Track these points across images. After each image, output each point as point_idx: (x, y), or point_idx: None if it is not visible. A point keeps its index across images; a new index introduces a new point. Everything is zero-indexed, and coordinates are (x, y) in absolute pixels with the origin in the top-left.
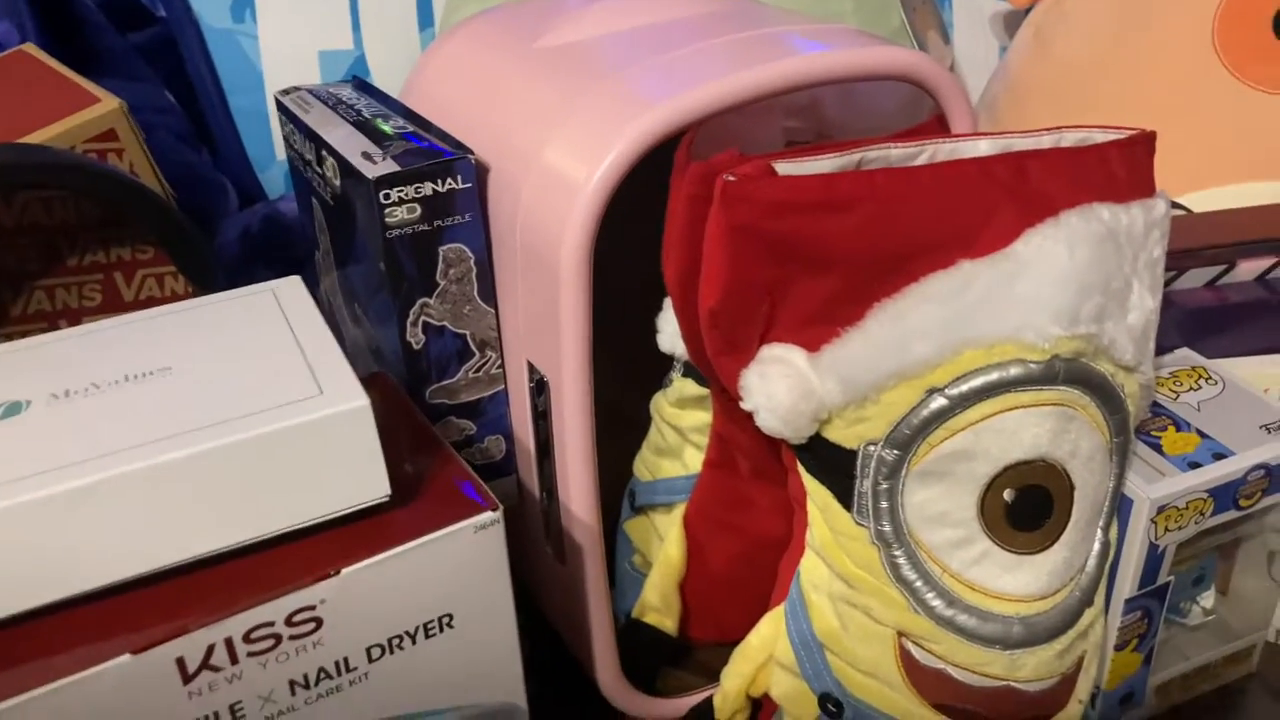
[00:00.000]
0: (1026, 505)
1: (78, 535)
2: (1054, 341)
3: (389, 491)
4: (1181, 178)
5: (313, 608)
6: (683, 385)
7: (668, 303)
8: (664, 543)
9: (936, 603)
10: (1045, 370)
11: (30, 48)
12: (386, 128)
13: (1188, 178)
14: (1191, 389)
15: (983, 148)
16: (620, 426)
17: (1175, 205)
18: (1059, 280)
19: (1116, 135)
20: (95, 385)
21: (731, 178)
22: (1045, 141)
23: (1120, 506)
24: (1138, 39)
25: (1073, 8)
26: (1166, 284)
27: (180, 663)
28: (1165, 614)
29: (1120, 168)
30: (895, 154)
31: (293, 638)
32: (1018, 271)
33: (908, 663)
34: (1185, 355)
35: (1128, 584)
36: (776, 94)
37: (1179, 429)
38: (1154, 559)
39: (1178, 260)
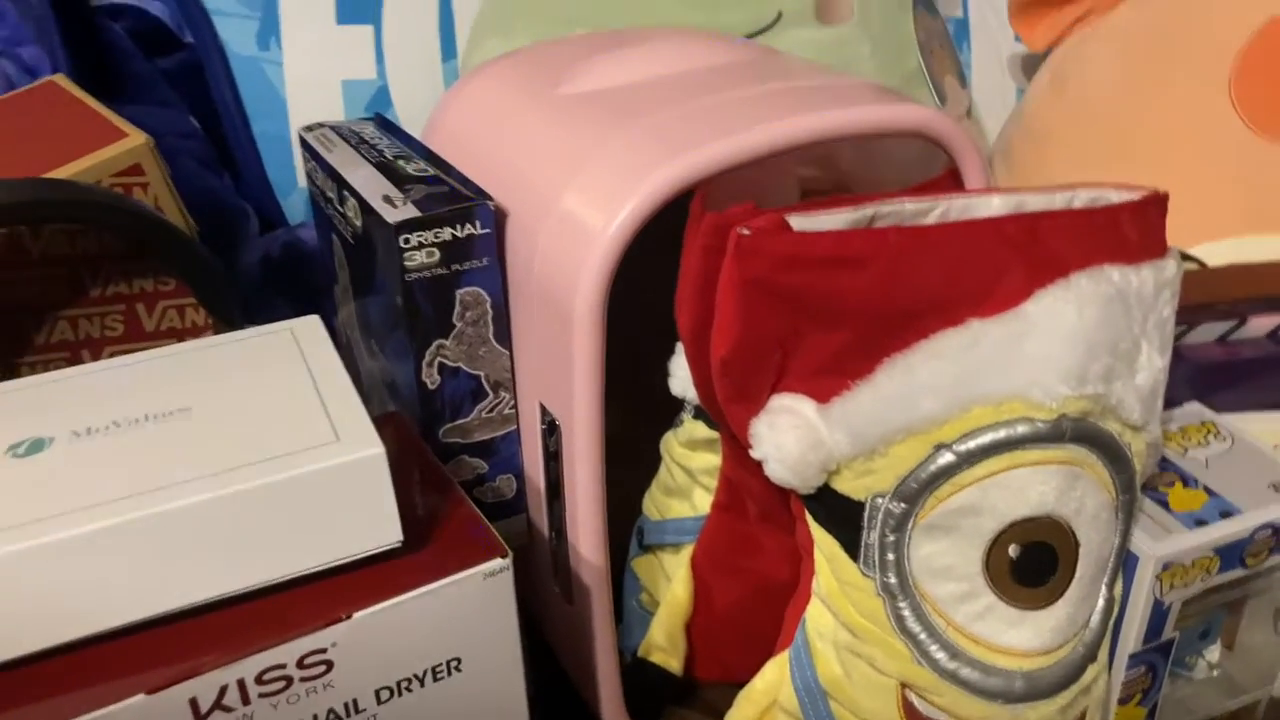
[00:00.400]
0: (1031, 561)
1: (96, 576)
2: (1061, 401)
3: (401, 538)
4: (1194, 228)
5: (324, 650)
6: (693, 427)
7: (680, 347)
8: (671, 583)
9: (940, 655)
10: (1052, 429)
11: (60, 79)
12: (408, 170)
13: (1201, 228)
14: (1200, 444)
15: (995, 204)
16: (630, 462)
17: (1187, 257)
18: (1067, 340)
19: (1129, 195)
20: (116, 424)
21: (746, 231)
22: (1058, 200)
23: (1126, 563)
24: (1154, 87)
25: (1090, 53)
26: (1177, 338)
27: (193, 703)
28: (1170, 668)
29: (1132, 229)
30: (908, 209)
31: (304, 680)
32: (1027, 331)
33: (910, 714)
34: (1195, 410)
35: (1132, 639)
36: (791, 148)
37: (1186, 485)
38: (1159, 615)
39: (1189, 315)
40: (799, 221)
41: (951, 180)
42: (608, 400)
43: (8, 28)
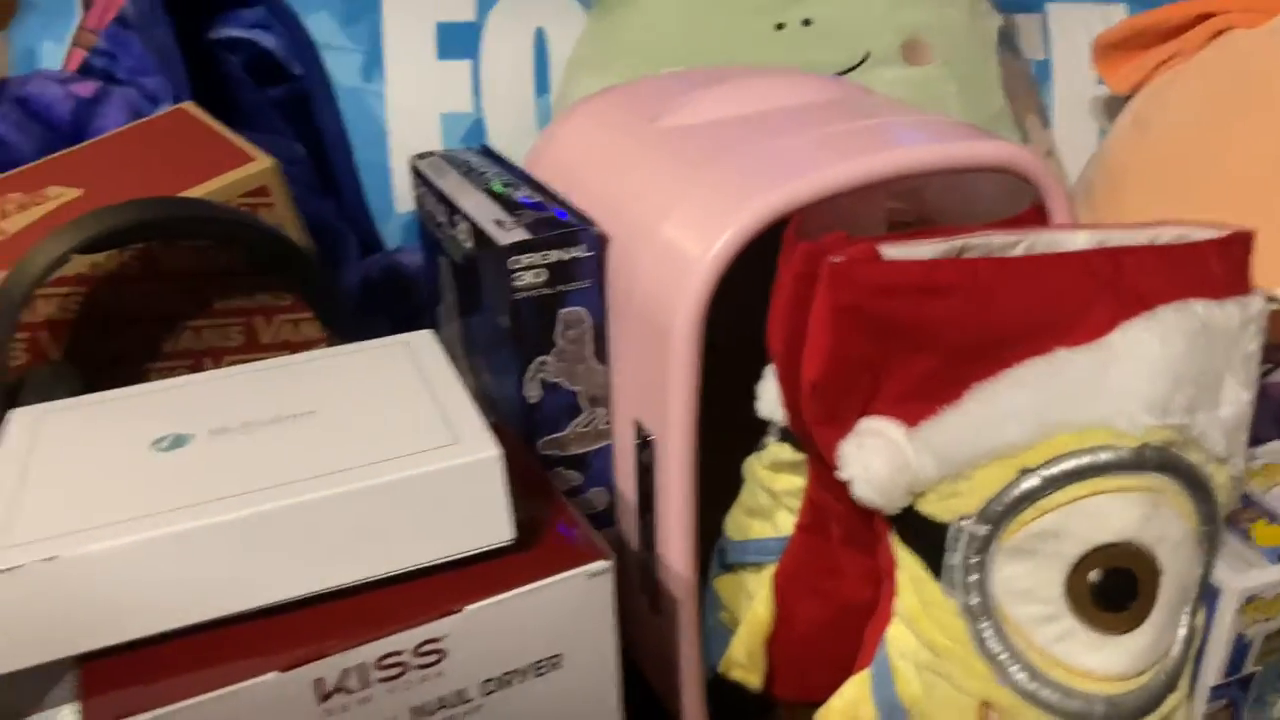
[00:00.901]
0: (1113, 586)
1: (231, 562)
2: (1144, 430)
3: (514, 536)
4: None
5: (438, 640)
6: (778, 450)
7: (769, 370)
8: (752, 602)
9: (1020, 676)
10: (1135, 457)
11: (190, 106)
12: (516, 196)
13: None
14: None
15: (1081, 240)
16: (713, 484)
17: (1272, 299)
18: (1152, 371)
19: (1214, 234)
20: (248, 424)
21: (838, 260)
22: (1142, 238)
23: (1208, 595)
24: (1238, 129)
25: (1173, 96)
26: (1263, 376)
27: (318, 683)
28: (1250, 704)
29: (1217, 265)
30: (996, 242)
31: (418, 667)
32: (1111, 361)
33: None
34: None
35: (1213, 672)
36: (883, 181)
37: (1271, 521)
38: (1240, 649)
39: (1274, 354)
40: (890, 251)
41: (1037, 216)
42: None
43: (133, 58)
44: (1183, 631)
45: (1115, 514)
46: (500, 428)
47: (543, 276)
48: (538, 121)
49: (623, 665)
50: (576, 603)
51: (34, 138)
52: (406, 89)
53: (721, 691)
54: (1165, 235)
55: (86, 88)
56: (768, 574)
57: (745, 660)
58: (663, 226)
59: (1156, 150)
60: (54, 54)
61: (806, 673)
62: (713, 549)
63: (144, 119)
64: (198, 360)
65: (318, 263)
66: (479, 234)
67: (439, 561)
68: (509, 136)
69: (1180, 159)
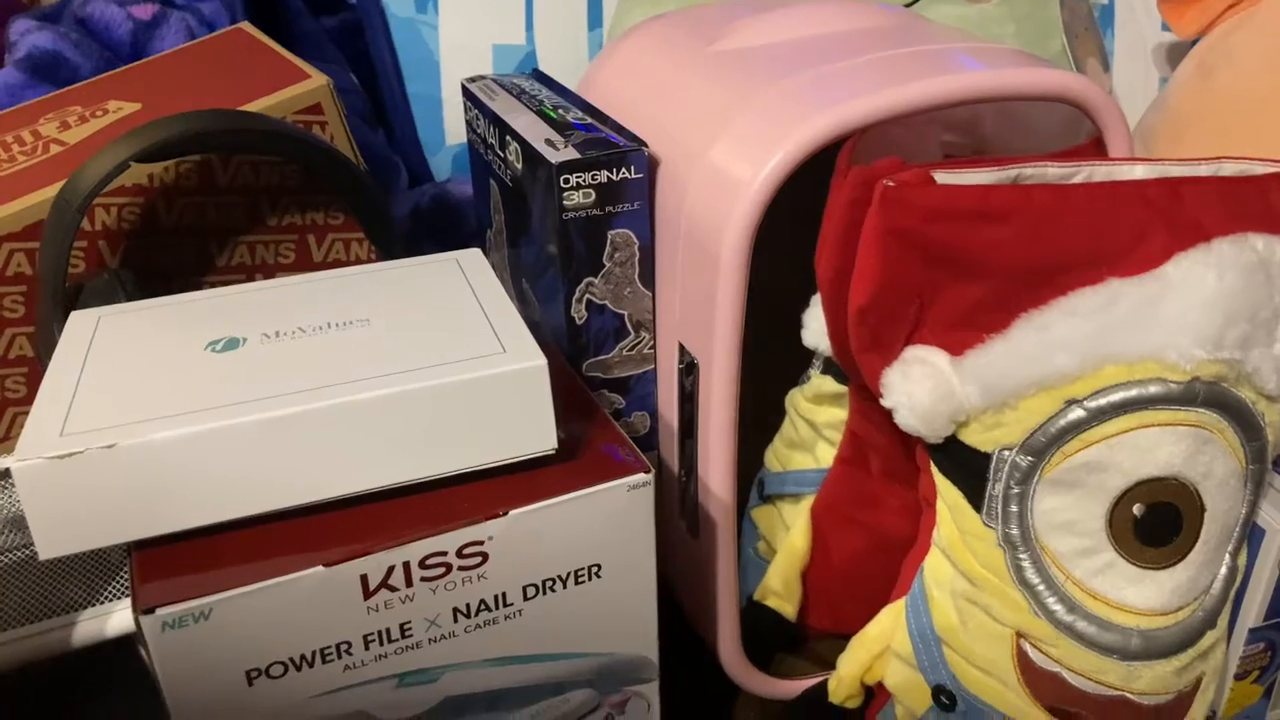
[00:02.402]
0: (1155, 521)
1: (282, 457)
2: (1196, 364)
3: (556, 445)
4: None
5: (481, 543)
6: (821, 382)
7: (815, 299)
8: (790, 532)
9: (1057, 608)
10: (1185, 391)
11: (247, 26)
12: (567, 117)
13: None
14: None
15: (1139, 172)
16: (753, 417)
17: None
18: (1205, 304)
19: (1277, 168)
20: (302, 329)
21: (891, 183)
22: (1203, 170)
23: (1252, 535)
24: None
25: (1238, 42)
26: None
27: (364, 579)
28: None
29: (1279, 200)
30: (1052, 172)
31: (461, 569)
32: (1165, 293)
33: (1024, 663)
34: None
35: (1254, 613)
36: (938, 108)
37: None
38: None
39: None
40: (944, 177)
41: (1095, 149)
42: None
43: None
44: (1224, 570)
45: (1161, 448)
46: (547, 345)
47: (591, 197)
48: (590, 55)
49: (660, 588)
50: (617, 514)
51: (93, 57)
52: (459, 20)
53: (756, 621)
54: (1227, 169)
55: (145, 10)
56: (805, 505)
57: (781, 589)
58: (712, 150)
59: (1221, 98)
60: None
61: (840, 604)
62: (752, 481)
63: (202, 38)
64: (250, 275)
65: (371, 182)
66: (529, 154)
67: (484, 467)
68: (561, 69)
69: (1245, 107)
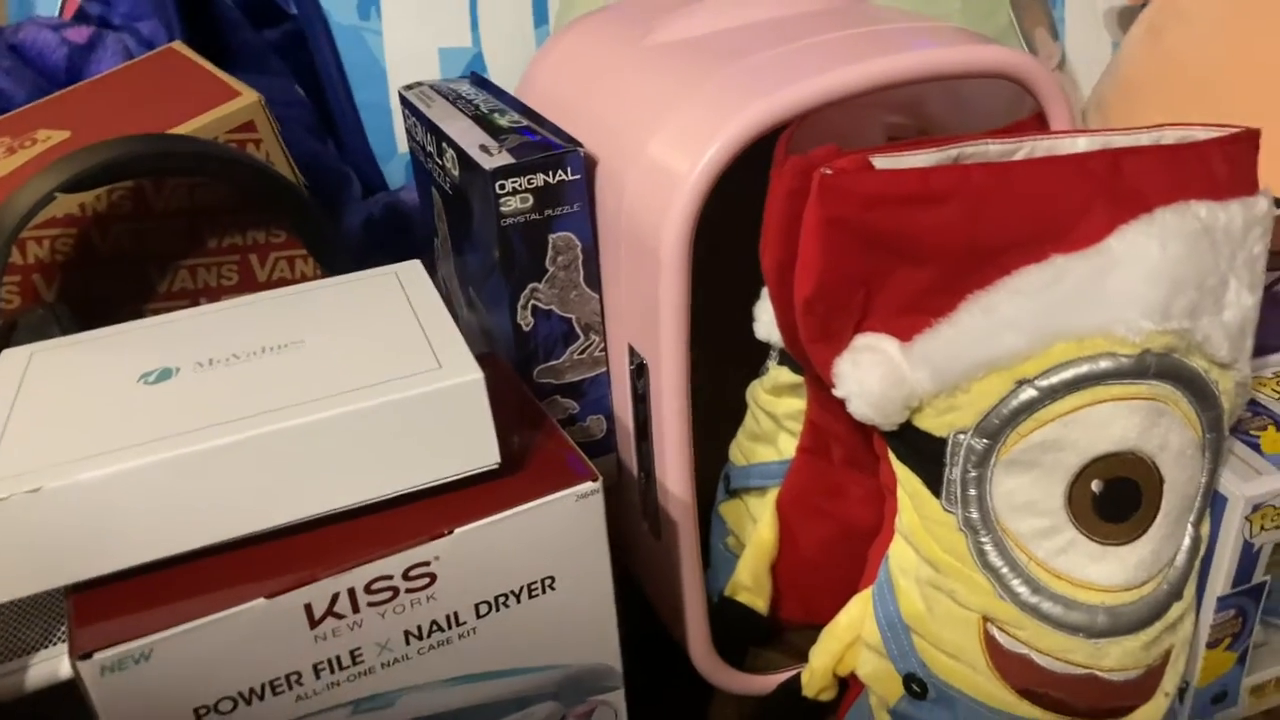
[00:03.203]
0: (1114, 497)
1: (217, 489)
2: (1145, 336)
3: (499, 459)
4: None
5: (428, 564)
6: (778, 373)
7: (765, 291)
8: (757, 525)
9: (1022, 589)
10: (1136, 364)
11: (179, 45)
12: (502, 122)
13: None
14: None
15: (1081, 144)
16: (717, 413)
17: None
18: (1151, 276)
19: (1218, 133)
20: (236, 355)
21: (828, 171)
22: (1144, 139)
23: (1214, 504)
24: (1256, 37)
25: (1189, 4)
26: (1273, 284)
27: (308, 608)
28: (1262, 615)
29: (1221, 165)
30: (993, 150)
31: (409, 591)
32: (1110, 266)
33: (992, 647)
34: None
35: (1221, 582)
36: (875, 90)
37: None
38: (1249, 558)
39: None
40: (882, 162)
41: (1038, 123)
42: (697, 354)
43: (127, 3)
44: (1187, 541)
45: (1116, 423)
46: (492, 357)
47: (529, 201)
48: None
49: (629, 593)
50: (567, 524)
51: (28, 85)
52: (404, 25)
53: (728, 616)
54: (1168, 137)
55: (80, 33)
56: (771, 497)
57: (751, 583)
58: (649, 145)
59: (1171, 59)
60: (49, 2)
61: (811, 595)
62: (718, 476)
63: (133, 60)
64: (194, 300)
65: (308, 197)
66: (465, 161)
67: (426, 486)
68: (509, 69)
69: (1197, 72)
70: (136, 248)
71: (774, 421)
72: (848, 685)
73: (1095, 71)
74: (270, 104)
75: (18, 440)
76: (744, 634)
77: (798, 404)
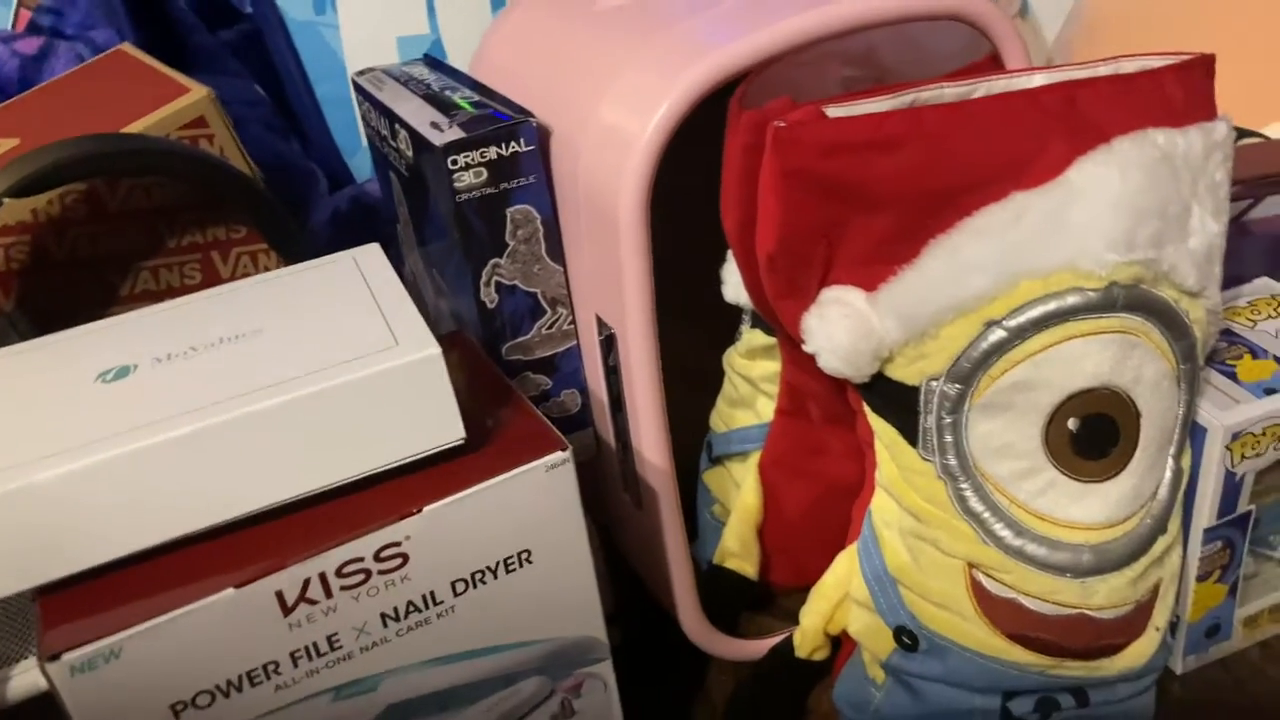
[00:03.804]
0: (1091, 433)
1: (179, 480)
2: (1111, 268)
3: (463, 434)
4: (1264, 109)
5: (399, 544)
6: (751, 336)
7: (731, 254)
8: (740, 490)
9: (1005, 533)
10: (1103, 298)
11: (127, 46)
12: (454, 99)
13: (1271, 109)
14: (1270, 317)
15: (1037, 81)
16: (697, 382)
17: (1257, 135)
18: (1112, 206)
19: (1173, 60)
20: (193, 348)
21: (782, 123)
22: (1102, 71)
23: (1194, 435)
24: None
25: None
26: (1244, 213)
27: (280, 596)
28: (1251, 546)
29: (1176, 91)
30: (949, 93)
31: (381, 573)
32: (1070, 200)
33: (979, 593)
34: (1265, 284)
35: (1206, 513)
36: (824, 39)
37: (1256, 357)
38: (1231, 487)
39: (1255, 188)
40: (836, 111)
41: (991, 65)
42: (672, 324)
43: (80, 12)
44: (1168, 474)
45: (1088, 358)
46: (460, 335)
47: (484, 175)
48: None
49: (619, 566)
50: (539, 496)
51: None
52: (359, 17)
53: (718, 583)
54: (1125, 68)
55: (30, 44)
56: (753, 462)
57: (738, 549)
58: (600, 109)
59: (1135, 3)
60: (1, 15)
61: (799, 557)
62: (700, 446)
63: (82, 65)
64: (158, 301)
65: (264, 190)
66: (417, 140)
67: (392, 465)
68: (469, 55)
69: (1162, 7)
70: (94, 251)
71: (751, 385)
72: (840, 644)
73: (1058, 20)
74: (230, 104)
75: None
76: (735, 600)
77: (773, 366)
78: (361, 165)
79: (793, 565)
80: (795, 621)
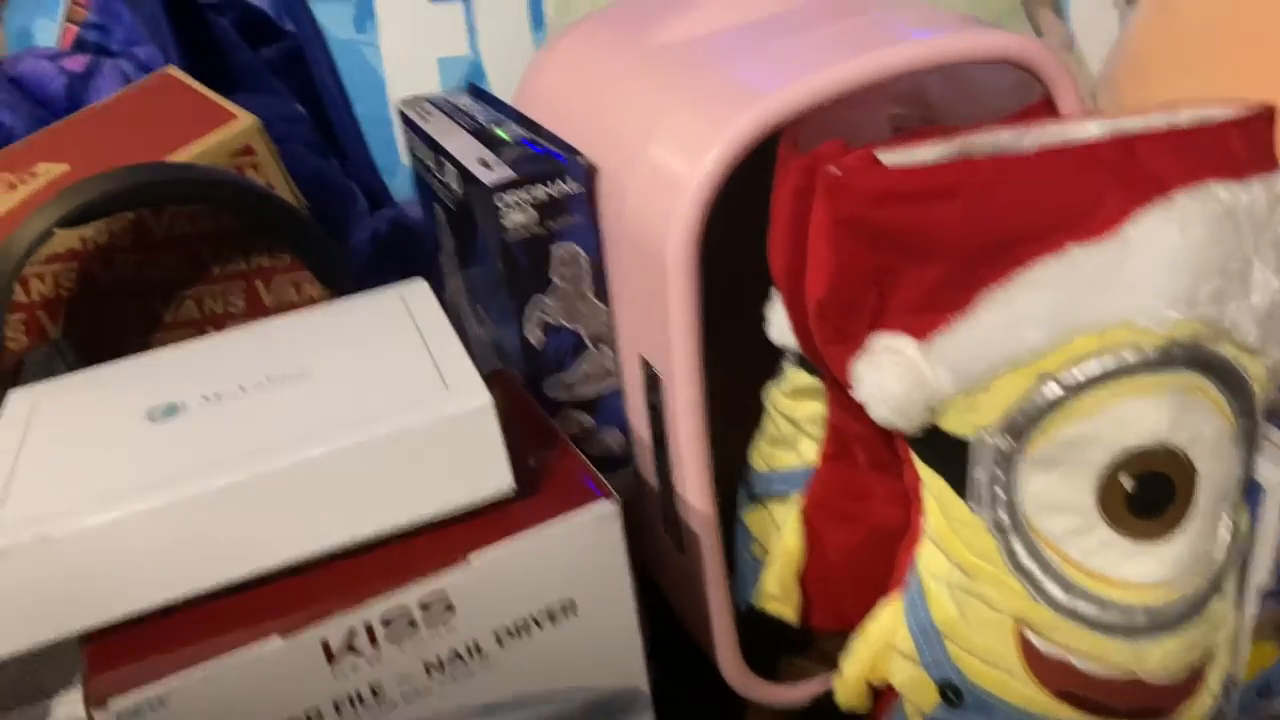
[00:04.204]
0: (1147, 492)
1: (228, 528)
2: (1170, 325)
3: (513, 485)
4: None
5: (445, 593)
6: (795, 376)
7: (777, 293)
8: (781, 532)
9: (1056, 591)
10: (1162, 355)
11: (173, 70)
12: (502, 134)
13: None
14: None
15: (1091, 130)
16: (737, 416)
17: None
18: (1172, 263)
19: (1233, 113)
20: (242, 388)
21: (835, 170)
22: (1157, 122)
23: (1251, 494)
24: (1272, 4)
25: None
26: None
27: (325, 645)
28: None
29: (1238, 144)
30: (1002, 139)
31: (427, 623)
32: (1127, 255)
33: (1028, 651)
34: None
35: (1262, 574)
36: (878, 82)
37: None
38: None
39: None
40: (889, 157)
41: (1045, 110)
42: (711, 357)
43: (124, 29)
44: (1224, 534)
45: (1144, 416)
46: (504, 374)
47: (532, 215)
48: None
49: (657, 607)
50: (585, 546)
51: (28, 117)
52: (400, 36)
53: (757, 626)
54: (1182, 118)
55: (78, 62)
56: (795, 503)
57: (778, 592)
58: (649, 149)
59: (1185, 34)
60: (48, 31)
61: (841, 601)
62: (739, 483)
63: (128, 87)
64: (201, 329)
65: (310, 220)
66: (466, 176)
67: (440, 515)
68: (509, 76)
69: (1212, 42)
70: (140, 278)
71: (794, 426)
72: (881, 694)
73: (1104, 51)
74: (271, 122)
75: (26, 485)
76: (774, 644)
77: (817, 407)
78: (400, 185)
79: (833, 609)
80: (835, 665)
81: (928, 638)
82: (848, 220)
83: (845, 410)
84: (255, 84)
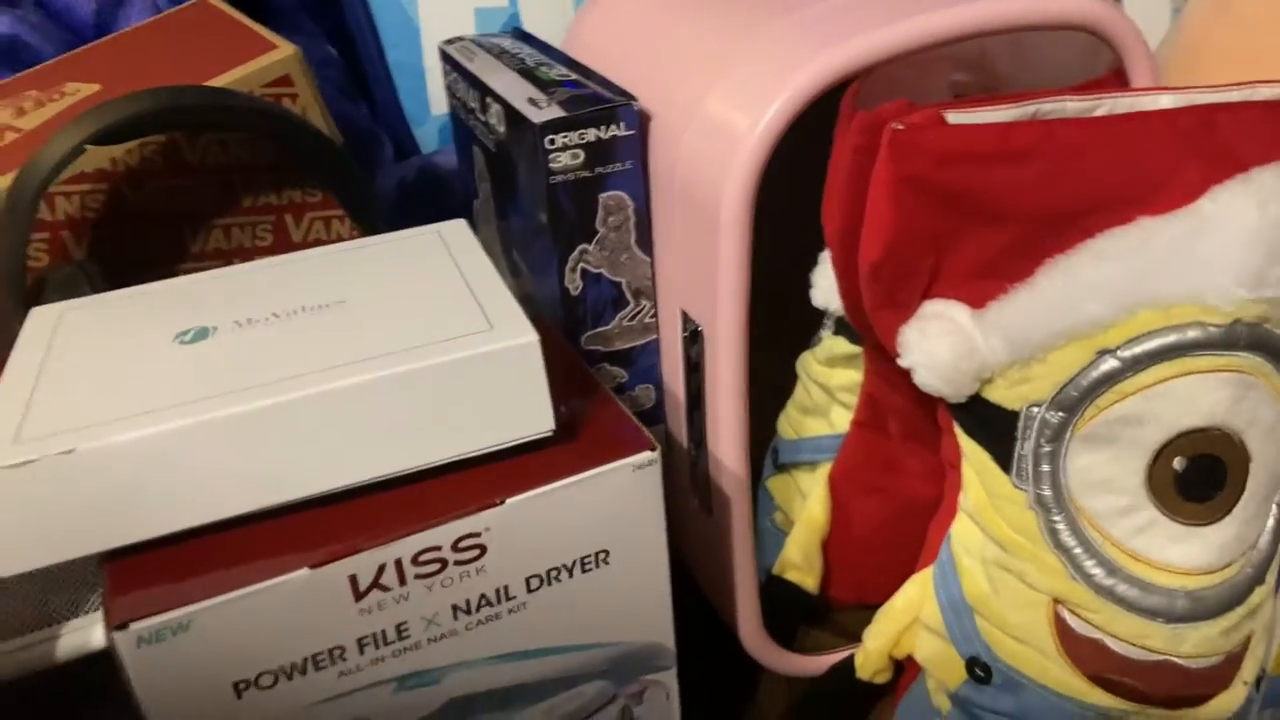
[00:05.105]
0: (1198, 475)
1: (258, 453)
2: (1237, 304)
3: (554, 425)
4: None
5: (478, 535)
6: (833, 343)
7: (824, 256)
8: (807, 501)
9: (1096, 571)
10: (1226, 335)
11: None
12: (551, 75)
13: None
14: None
15: (1164, 102)
16: (764, 384)
17: None
18: (1247, 240)
19: None
20: (275, 315)
21: (901, 126)
22: (1235, 96)
23: None
24: None
25: None
26: None
27: (353, 580)
28: None
29: None
30: (1072, 106)
31: (458, 563)
32: (1202, 230)
33: (1062, 630)
34: None
35: None
36: (947, 42)
37: None
38: None
39: None
40: (957, 117)
41: (1116, 81)
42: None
43: None
44: (1272, 522)
45: (1202, 397)
46: (541, 321)
47: (580, 158)
48: (575, 11)
49: (675, 569)
50: (622, 496)
51: (55, 41)
52: None
53: (776, 595)
54: (1261, 93)
55: None
56: (822, 473)
57: (801, 561)
58: (707, 101)
59: (1240, 26)
60: None
61: (863, 574)
62: (765, 450)
63: (164, 13)
64: (228, 260)
65: (347, 154)
66: (512, 115)
67: (477, 454)
68: (546, 29)
69: (1268, 35)
70: (169, 205)
71: (827, 394)
72: (903, 667)
73: (1153, 38)
74: None
75: (48, 400)
76: (793, 613)
77: (853, 376)
78: (428, 135)
79: (854, 582)
80: (851, 638)
81: (957, 612)
82: (913, 179)
83: (883, 379)
84: (288, 24)
